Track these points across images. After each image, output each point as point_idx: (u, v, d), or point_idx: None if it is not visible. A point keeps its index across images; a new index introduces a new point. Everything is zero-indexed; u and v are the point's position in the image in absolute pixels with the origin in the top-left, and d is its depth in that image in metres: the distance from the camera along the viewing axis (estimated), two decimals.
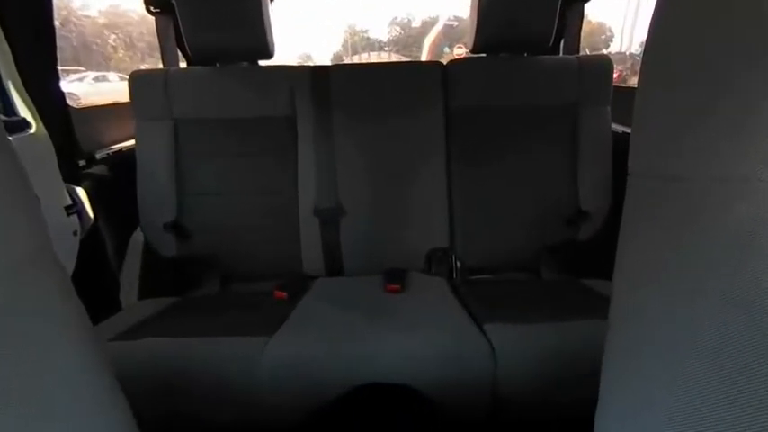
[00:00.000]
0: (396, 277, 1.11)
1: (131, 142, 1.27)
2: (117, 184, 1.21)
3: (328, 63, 1.31)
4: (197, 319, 1.00)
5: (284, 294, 1.07)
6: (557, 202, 1.23)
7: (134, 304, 1.15)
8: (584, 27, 1.44)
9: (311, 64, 1.40)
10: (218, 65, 1.26)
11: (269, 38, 1.18)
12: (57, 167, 1.01)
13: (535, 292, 1.12)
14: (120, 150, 1.30)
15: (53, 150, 1.01)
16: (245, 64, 1.28)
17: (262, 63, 1.32)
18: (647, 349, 0.27)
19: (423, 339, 0.83)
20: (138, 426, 0.36)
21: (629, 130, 0.30)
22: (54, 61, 1.06)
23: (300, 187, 1.22)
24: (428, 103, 1.22)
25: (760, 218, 0.22)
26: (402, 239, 1.23)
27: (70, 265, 1.00)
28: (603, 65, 1.22)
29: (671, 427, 0.25)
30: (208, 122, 1.21)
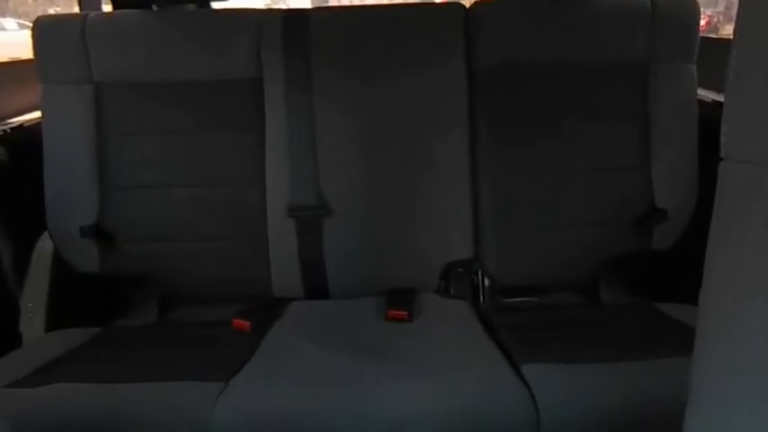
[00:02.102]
0: (401, 301, 1.11)
1: (36, 114, 1.27)
2: (16, 173, 1.21)
3: (308, 6, 1.31)
4: (126, 358, 0.99)
5: (246, 324, 1.08)
6: (622, 196, 1.23)
7: (40, 338, 1.15)
8: None
9: (284, 7, 1.40)
10: (154, 8, 1.26)
11: None
12: None
13: (593, 322, 1.12)
14: (21, 126, 1.30)
15: None
16: (192, 7, 1.29)
17: (215, 5, 1.32)
18: (748, 397, 0.27)
19: (438, 389, 0.83)
20: None
21: (722, 99, 0.30)
22: None
23: (269, 177, 1.22)
24: (444, 58, 1.22)
25: None
26: (409, 249, 1.23)
27: None
28: (687, 8, 1.22)
29: None
30: (141, 87, 1.21)
